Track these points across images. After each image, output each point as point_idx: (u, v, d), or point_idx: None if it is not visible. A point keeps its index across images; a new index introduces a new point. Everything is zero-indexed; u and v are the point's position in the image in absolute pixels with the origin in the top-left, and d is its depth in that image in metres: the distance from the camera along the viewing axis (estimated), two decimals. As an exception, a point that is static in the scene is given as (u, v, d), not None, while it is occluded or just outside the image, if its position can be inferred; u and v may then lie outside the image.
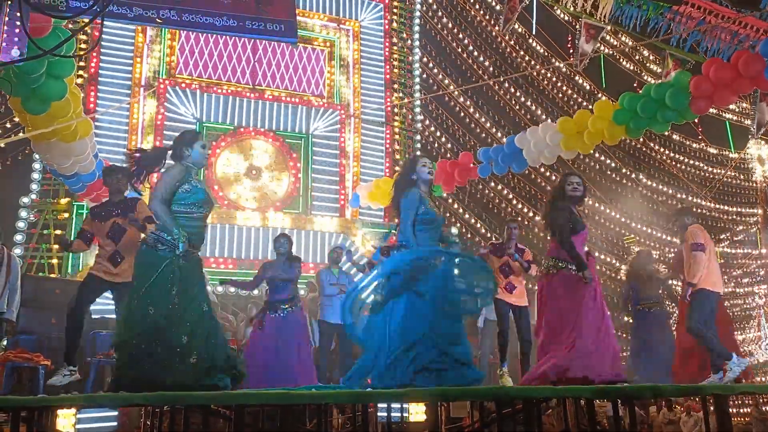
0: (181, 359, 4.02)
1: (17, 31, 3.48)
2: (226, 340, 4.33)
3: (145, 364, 3.97)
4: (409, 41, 14.19)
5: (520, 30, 15.50)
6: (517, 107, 15.73)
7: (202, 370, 4.06)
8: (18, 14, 3.50)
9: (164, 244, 4.11)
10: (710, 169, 18.18)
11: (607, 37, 14.47)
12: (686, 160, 17.88)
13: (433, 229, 4.55)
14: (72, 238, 5.50)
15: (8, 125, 10.62)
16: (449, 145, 14.76)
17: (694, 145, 18.14)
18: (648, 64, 15.87)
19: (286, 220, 11.58)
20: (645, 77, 15.41)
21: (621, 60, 15.73)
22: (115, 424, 6.49)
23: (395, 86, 13.68)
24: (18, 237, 10.44)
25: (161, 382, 3.84)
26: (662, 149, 17.53)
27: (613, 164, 16.68)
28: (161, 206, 4.14)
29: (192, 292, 4.20)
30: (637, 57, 15.88)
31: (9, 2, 3.37)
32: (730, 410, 6.09)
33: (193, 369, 4.04)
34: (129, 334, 4.05)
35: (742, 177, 18.88)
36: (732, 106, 15.29)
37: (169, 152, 4.41)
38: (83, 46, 11.29)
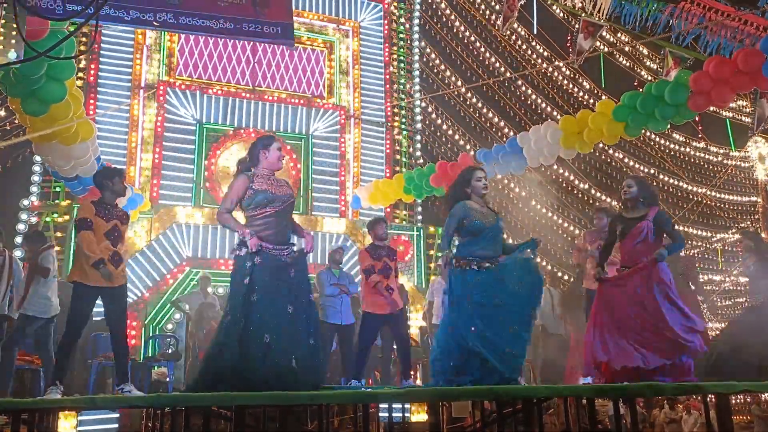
0: (269, 361, 4.04)
1: (14, 33, 3.49)
2: (314, 344, 4.32)
3: (237, 365, 4.01)
4: (409, 41, 14.19)
5: (519, 30, 15.53)
6: (518, 107, 15.75)
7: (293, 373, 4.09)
8: (14, 17, 3.50)
9: (240, 248, 4.26)
10: (711, 164, 18.20)
11: (607, 36, 14.48)
12: (687, 153, 17.91)
13: (483, 239, 4.68)
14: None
15: (8, 127, 10.63)
16: (449, 145, 14.78)
17: (696, 144, 18.16)
18: (647, 62, 15.87)
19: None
20: (645, 76, 15.41)
21: (621, 59, 15.74)
22: (116, 426, 6.49)
23: (395, 86, 13.67)
24: (18, 239, 10.42)
25: (256, 383, 3.88)
26: (665, 142, 17.56)
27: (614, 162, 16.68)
28: (224, 216, 4.37)
29: (274, 293, 4.21)
30: (637, 55, 15.89)
31: (5, 5, 3.38)
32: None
33: (291, 371, 4.08)
34: (225, 339, 4.14)
35: (742, 175, 18.90)
36: (733, 104, 15.29)
37: (247, 157, 4.55)
38: (82, 48, 11.29)
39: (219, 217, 4.41)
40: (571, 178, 16.21)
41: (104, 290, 5.08)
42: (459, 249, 4.76)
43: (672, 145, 17.75)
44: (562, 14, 14.06)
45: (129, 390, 5.01)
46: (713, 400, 4.77)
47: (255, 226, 4.29)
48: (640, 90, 8.20)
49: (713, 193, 18.13)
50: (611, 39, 15.09)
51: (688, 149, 18.04)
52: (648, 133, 15.43)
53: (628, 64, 15.88)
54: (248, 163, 4.52)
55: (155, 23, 4.28)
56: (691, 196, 17.88)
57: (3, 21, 3.40)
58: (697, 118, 14.38)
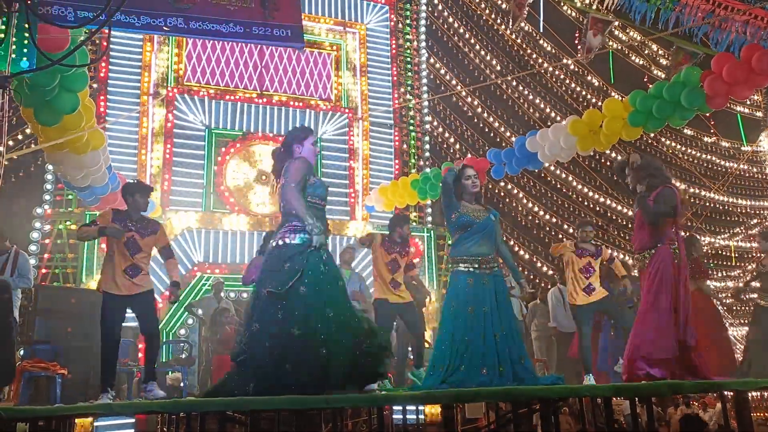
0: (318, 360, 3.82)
1: (26, 42, 3.51)
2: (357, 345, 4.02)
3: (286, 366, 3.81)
4: (416, 42, 14.18)
5: (527, 28, 15.48)
6: (526, 106, 15.69)
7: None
8: (27, 25, 3.53)
9: (297, 234, 4.01)
10: (722, 162, 18.05)
11: (616, 32, 14.41)
12: (698, 153, 17.76)
13: (475, 234, 4.63)
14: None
15: (20, 137, 10.71)
16: (458, 146, 14.75)
17: (706, 139, 18.02)
18: (657, 58, 15.78)
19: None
20: (654, 71, 15.32)
21: (630, 54, 15.65)
22: (132, 431, 6.52)
23: (402, 88, 13.67)
24: (32, 248, 10.52)
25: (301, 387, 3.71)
26: (673, 144, 17.43)
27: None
28: (298, 196, 4.02)
29: (327, 290, 4.01)
30: (646, 51, 15.79)
31: (16, 13, 3.40)
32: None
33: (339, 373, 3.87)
34: (264, 336, 3.89)
35: (755, 170, 18.73)
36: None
37: (281, 148, 4.33)
38: (92, 57, 11.37)
39: (290, 193, 4.02)
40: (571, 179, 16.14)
41: (127, 298, 5.36)
42: (453, 249, 4.73)
43: (680, 146, 17.62)
44: (569, 11, 14.00)
45: (151, 389, 5.24)
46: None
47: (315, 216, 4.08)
48: (650, 85, 8.15)
49: (721, 198, 17.98)
50: (620, 35, 15.02)
51: (695, 148, 17.91)
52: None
53: (637, 61, 15.79)
54: (284, 155, 4.28)
55: (165, 28, 4.30)
56: (702, 192, 17.73)
57: (15, 30, 3.42)
58: (708, 114, 14.26)
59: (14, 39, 3.45)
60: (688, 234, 8.59)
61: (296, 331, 3.82)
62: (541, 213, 15.43)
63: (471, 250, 4.60)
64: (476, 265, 4.58)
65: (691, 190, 17.45)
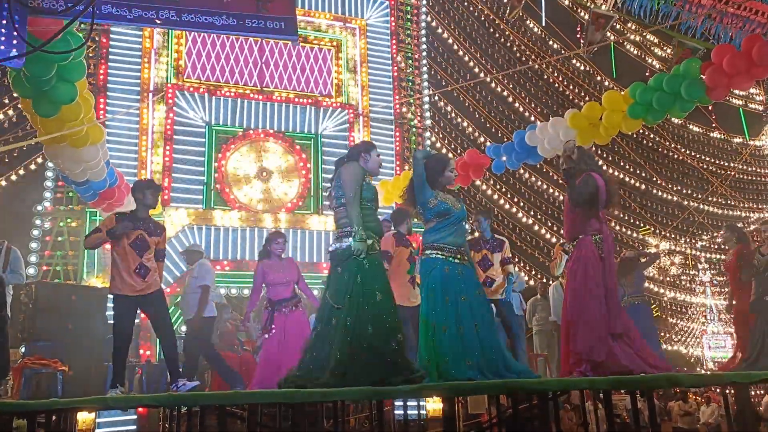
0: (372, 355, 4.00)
1: (15, 33, 3.49)
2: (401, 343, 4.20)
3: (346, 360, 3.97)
4: (416, 37, 14.14)
5: (528, 22, 15.44)
6: (527, 100, 15.67)
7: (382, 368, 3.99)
8: (15, 15, 3.50)
9: (347, 238, 4.22)
10: (724, 162, 18.02)
11: (617, 26, 14.37)
12: (698, 155, 17.72)
13: (451, 223, 4.52)
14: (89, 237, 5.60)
15: (20, 134, 10.72)
16: (459, 140, 14.75)
17: (712, 134, 17.99)
18: (657, 51, 15.73)
19: (297, 220, 11.58)
20: (654, 64, 15.27)
21: (633, 49, 15.61)
22: (134, 427, 6.53)
23: (403, 84, 13.64)
24: (33, 245, 10.53)
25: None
26: (676, 145, 17.41)
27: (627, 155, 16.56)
28: (356, 206, 4.24)
29: (370, 289, 4.19)
30: (647, 45, 15.74)
31: (6, 3, 3.39)
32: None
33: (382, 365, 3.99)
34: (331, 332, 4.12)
35: (757, 164, 18.69)
36: (743, 93, 15.11)
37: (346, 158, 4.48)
38: (93, 53, 11.37)
39: (349, 204, 4.26)
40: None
41: (139, 298, 5.33)
42: (428, 234, 4.58)
43: (687, 134, 17.60)
44: (570, 5, 13.96)
45: (182, 385, 5.21)
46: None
47: (365, 218, 4.29)
48: (649, 78, 8.12)
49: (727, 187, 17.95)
50: (621, 29, 14.98)
51: (702, 138, 17.88)
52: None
53: (638, 53, 15.76)
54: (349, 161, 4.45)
55: (158, 21, 4.25)
56: (705, 186, 17.70)
57: (5, 21, 3.41)
58: (710, 107, 14.22)
59: (4, 30, 3.43)
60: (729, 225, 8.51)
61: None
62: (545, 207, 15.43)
63: (447, 239, 4.49)
64: (452, 255, 4.46)
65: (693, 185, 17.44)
